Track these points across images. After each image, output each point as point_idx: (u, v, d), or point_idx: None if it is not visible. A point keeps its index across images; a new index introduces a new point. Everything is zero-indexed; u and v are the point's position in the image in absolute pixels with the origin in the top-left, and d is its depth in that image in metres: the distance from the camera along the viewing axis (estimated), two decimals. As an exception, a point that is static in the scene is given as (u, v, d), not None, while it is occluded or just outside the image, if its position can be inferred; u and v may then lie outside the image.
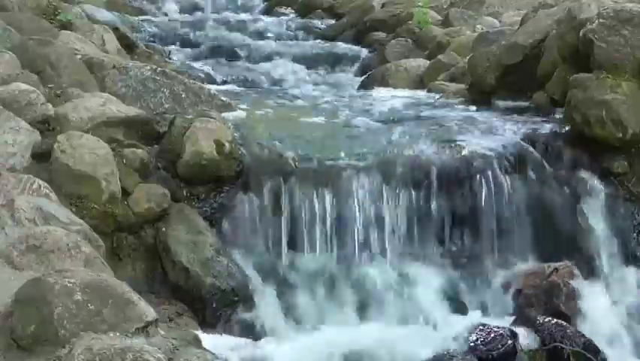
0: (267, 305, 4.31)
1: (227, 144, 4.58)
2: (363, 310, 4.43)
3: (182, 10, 10.96)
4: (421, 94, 6.55)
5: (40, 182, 3.99)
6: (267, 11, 11.46)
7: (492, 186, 4.77)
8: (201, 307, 4.21)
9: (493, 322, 4.22)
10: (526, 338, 4.14)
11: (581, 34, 5.11)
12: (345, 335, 4.17)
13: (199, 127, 4.59)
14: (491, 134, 5.08)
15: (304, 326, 4.31)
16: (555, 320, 4.23)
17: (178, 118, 4.73)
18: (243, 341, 4.05)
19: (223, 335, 4.08)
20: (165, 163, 4.59)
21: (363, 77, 7.64)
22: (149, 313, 3.17)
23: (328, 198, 4.58)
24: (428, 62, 7.31)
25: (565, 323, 4.22)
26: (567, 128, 5.10)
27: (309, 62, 8.45)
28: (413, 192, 4.70)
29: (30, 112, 4.48)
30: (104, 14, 7.77)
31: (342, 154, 4.77)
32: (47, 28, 6.09)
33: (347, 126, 5.19)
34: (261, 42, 9.05)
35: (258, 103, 5.88)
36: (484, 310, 4.54)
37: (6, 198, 3.78)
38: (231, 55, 8.56)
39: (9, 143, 4.24)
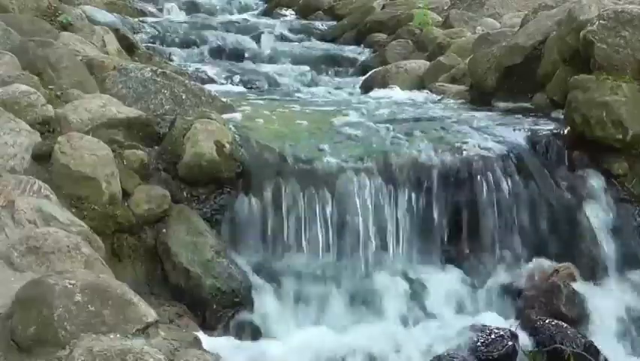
0: (267, 306, 4.31)
1: (227, 146, 4.58)
2: (363, 310, 4.43)
3: (182, 12, 10.97)
4: (422, 95, 6.55)
5: (41, 183, 3.99)
6: (267, 12, 11.47)
7: (493, 187, 4.77)
8: (202, 309, 4.20)
9: (493, 323, 4.22)
10: (526, 340, 4.14)
11: (581, 35, 5.11)
12: (345, 336, 4.17)
13: (199, 128, 4.59)
14: (492, 135, 5.08)
15: (305, 326, 4.31)
16: (555, 321, 4.24)
17: (178, 119, 4.73)
18: (243, 342, 4.05)
19: (223, 336, 4.08)
20: (166, 164, 4.59)
21: (363, 78, 7.64)
22: (150, 314, 3.17)
23: (329, 199, 4.58)
24: (428, 63, 7.31)
25: (565, 325, 4.22)
26: (567, 130, 5.10)
27: (310, 63, 8.45)
28: (414, 193, 4.70)
29: (30, 113, 4.47)
30: (105, 16, 7.78)
31: (343, 155, 4.77)
32: (48, 29, 6.09)
33: (348, 127, 5.19)
34: (261, 43, 9.06)
35: (259, 104, 5.88)
36: (485, 311, 4.54)
37: (6, 200, 3.78)
38: (232, 56, 8.57)
39: (9, 144, 4.24)
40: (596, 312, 4.46)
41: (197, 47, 8.75)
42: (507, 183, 4.79)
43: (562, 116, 5.23)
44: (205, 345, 3.56)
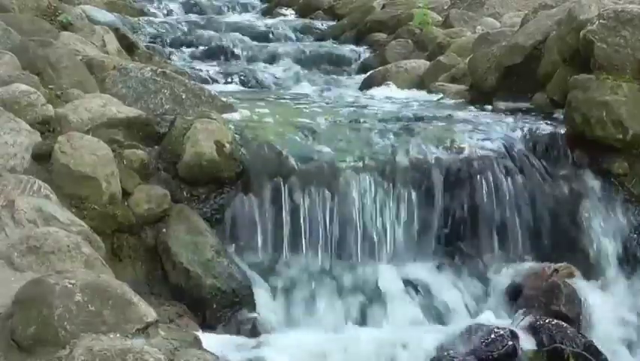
0: (267, 306, 4.32)
1: (227, 145, 4.59)
2: (363, 310, 4.43)
3: (182, 11, 10.98)
4: (422, 95, 6.55)
5: (41, 183, 3.99)
6: (267, 12, 11.48)
7: (492, 186, 4.77)
8: (202, 308, 4.21)
9: (493, 323, 4.22)
10: (526, 339, 4.14)
11: (581, 35, 5.11)
12: (345, 336, 4.17)
13: (199, 128, 4.59)
14: (491, 135, 5.08)
15: (305, 327, 4.31)
16: (555, 320, 4.23)
17: (178, 119, 4.73)
18: (243, 341, 4.05)
19: (223, 335, 4.08)
20: (166, 164, 4.59)
21: (363, 78, 7.64)
22: (150, 314, 3.18)
23: (329, 198, 4.58)
24: (428, 62, 7.31)
25: (565, 324, 4.22)
26: (567, 129, 5.10)
27: (310, 62, 8.46)
28: (413, 193, 4.70)
29: (30, 113, 4.48)
30: (105, 15, 7.78)
31: (343, 155, 4.77)
32: (48, 29, 6.10)
33: (347, 127, 5.19)
34: (261, 43, 9.06)
35: (259, 104, 5.88)
36: (485, 310, 4.54)
37: (6, 199, 3.78)
38: (232, 56, 8.57)
39: (9, 144, 4.24)
40: (596, 312, 4.46)
41: (197, 46, 8.76)
42: (507, 183, 4.80)
43: (562, 116, 5.23)
44: (205, 345, 3.56)
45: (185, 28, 9.34)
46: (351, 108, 5.83)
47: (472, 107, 5.88)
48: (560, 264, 4.62)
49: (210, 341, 3.72)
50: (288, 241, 4.53)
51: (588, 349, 4.12)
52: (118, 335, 3.02)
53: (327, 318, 4.37)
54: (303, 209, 4.54)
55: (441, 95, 6.35)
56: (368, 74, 7.67)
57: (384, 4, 9.80)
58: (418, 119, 5.45)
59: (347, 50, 8.86)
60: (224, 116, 5.05)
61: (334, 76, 8.24)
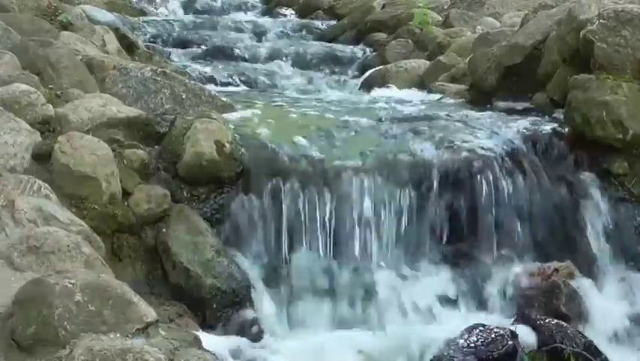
0: (267, 306, 4.32)
1: (227, 145, 4.59)
2: (362, 311, 4.43)
3: (182, 11, 10.98)
4: (422, 95, 6.55)
5: (41, 183, 3.99)
6: (267, 12, 11.48)
7: (492, 186, 4.77)
8: (202, 308, 4.20)
9: (493, 322, 4.22)
10: (526, 339, 4.14)
11: (581, 35, 5.12)
12: (344, 336, 4.18)
13: (199, 128, 4.59)
14: (491, 134, 5.08)
15: (304, 327, 4.32)
16: (555, 320, 4.23)
17: (178, 119, 4.73)
18: (243, 341, 4.05)
19: (223, 335, 4.08)
20: (166, 164, 4.59)
21: (363, 78, 7.64)
22: (150, 314, 3.18)
23: (329, 198, 4.58)
24: (428, 62, 7.31)
25: (565, 324, 4.22)
26: (567, 129, 5.10)
27: (310, 62, 8.45)
28: (413, 193, 4.70)
29: (30, 113, 4.48)
30: (105, 15, 7.77)
31: (343, 155, 4.77)
32: (48, 29, 6.10)
33: (347, 127, 5.19)
34: (261, 43, 9.06)
35: (259, 104, 5.88)
36: (485, 310, 4.54)
37: (6, 199, 3.78)
38: (232, 56, 8.57)
39: (9, 144, 4.24)
40: (596, 311, 4.47)
41: (197, 46, 8.76)
42: (507, 183, 4.80)
43: (562, 116, 5.24)
44: (205, 345, 3.56)
45: (186, 28, 9.33)
46: (351, 108, 5.83)
47: (472, 107, 5.88)
48: (560, 264, 4.63)
49: (210, 341, 3.72)
50: (288, 240, 4.53)
51: (588, 348, 4.12)
52: (118, 334, 3.02)
53: (327, 318, 4.37)
54: (302, 209, 4.54)
55: (441, 95, 6.35)
56: (368, 73, 7.67)
57: (384, 4, 9.80)
58: (418, 119, 5.44)
59: (347, 49, 8.85)
60: (224, 116, 5.05)
61: (334, 76, 8.24)
